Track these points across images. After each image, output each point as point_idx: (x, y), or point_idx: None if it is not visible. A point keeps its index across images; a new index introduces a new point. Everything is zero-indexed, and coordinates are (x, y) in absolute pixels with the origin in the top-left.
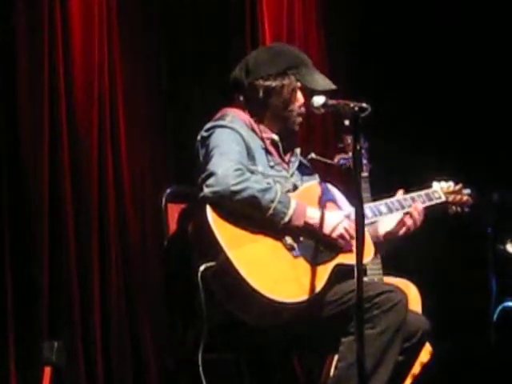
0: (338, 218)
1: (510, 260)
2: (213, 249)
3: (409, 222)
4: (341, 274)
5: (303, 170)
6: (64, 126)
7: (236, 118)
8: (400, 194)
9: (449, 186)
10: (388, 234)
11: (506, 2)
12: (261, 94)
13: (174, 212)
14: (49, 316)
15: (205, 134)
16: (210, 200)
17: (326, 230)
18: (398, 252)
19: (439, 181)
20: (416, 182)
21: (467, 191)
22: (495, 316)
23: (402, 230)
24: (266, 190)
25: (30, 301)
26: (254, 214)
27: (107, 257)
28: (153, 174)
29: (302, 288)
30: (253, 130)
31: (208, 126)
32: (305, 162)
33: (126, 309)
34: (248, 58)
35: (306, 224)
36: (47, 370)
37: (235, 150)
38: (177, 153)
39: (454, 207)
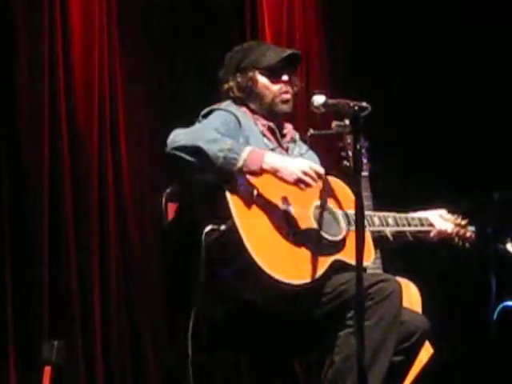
0: (298, 162)
1: (510, 260)
2: (221, 213)
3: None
4: (339, 269)
5: (308, 157)
6: (64, 128)
7: (232, 104)
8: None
9: (456, 218)
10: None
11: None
12: (228, 97)
13: (173, 211)
14: (49, 315)
15: (201, 119)
16: (170, 164)
17: (284, 174)
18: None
19: (448, 212)
20: (416, 185)
21: (472, 228)
22: (495, 315)
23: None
24: (215, 141)
25: (30, 300)
26: (209, 168)
27: (107, 257)
28: (153, 173)
29: (298, 273)
30: (249, 116)
31: (204, 111)
32: (307, 146)
33: (126, 309)
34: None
35: (263, 170)
36: (47, 370)
37: (212, 125)
38: None
39: (456, 240)
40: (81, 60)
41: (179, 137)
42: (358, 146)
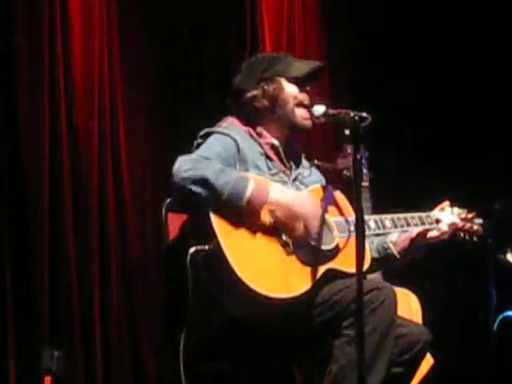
0: (304, 196)
1: (511, 270)
2: (207, 234)
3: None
4: (332, 277)
5: (311, 179)
6: (64, 135)
7: (232, 125)
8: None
9: (460, 212)
10: (420, 234)
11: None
12: (250, 106)
13: (174, 222)
14: (49, 325)
15: (199, 140)
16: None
17: (292, 210)
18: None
19: (452, 206)
20: (416, 193)
21: (479, 221)
22: (495, 326)
23: (433, 233)
24: (220, 172)
25: (31, 310)
26: (214, 200)
27: (107, 266)
28: (153, 182)
29: (288, 286)
30: (251, 136)
31: (202, 132)
32: (311, 167)
33: (125, 319)
34: (232, 83)
35: (269, 204)
36: (47, 380)
37: (213, 150)
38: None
39: (462, 234)
40: (81, 64)
41: (186, 165)
42: (358, 156)
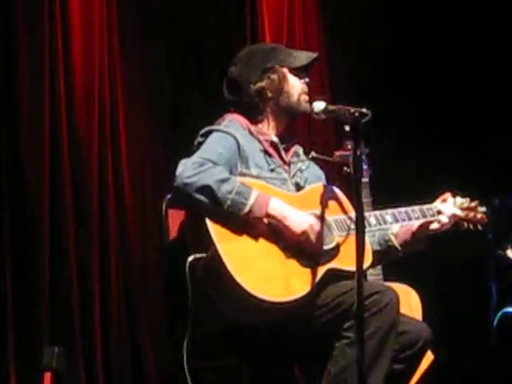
0: (304, 215)
1: (511, 266)
2: (205, 241)
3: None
4: (335, 277)
5: (310, 171)
6: (64, 134)
7: (233, 122)
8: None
9: (463, 202)
10: (421, 227)
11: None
12: (256, 98)
13: (174, 218)
14: (49, 321)
15: (200, 139)
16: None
17: (291, 223)
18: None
19: (455, 196)
20: (417, 188)
21: (483, 209)
22: (495, 322)
23: (434, 226)
24: (223, 181)
25: (31, 306)
26: (216, 209)
27: (107, 264)
28: (153, 179)
29: (289, 289)
30: (250, 133)
31: (203, 131)
32: (310, 161)
33: (126, 315)
34: (228, 76)
35: (268, 215)
36: (47, 376)
37: (215, 151)
38: (178, 158)
39: (466, 224)
40: (81, 64)
41: (189, 170)
42: (359, 152)
